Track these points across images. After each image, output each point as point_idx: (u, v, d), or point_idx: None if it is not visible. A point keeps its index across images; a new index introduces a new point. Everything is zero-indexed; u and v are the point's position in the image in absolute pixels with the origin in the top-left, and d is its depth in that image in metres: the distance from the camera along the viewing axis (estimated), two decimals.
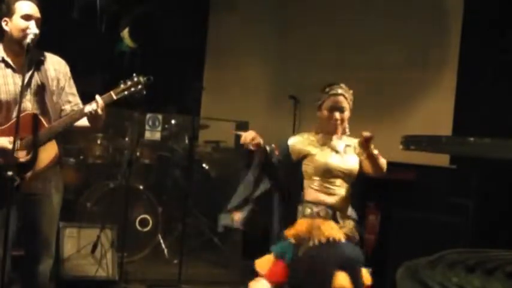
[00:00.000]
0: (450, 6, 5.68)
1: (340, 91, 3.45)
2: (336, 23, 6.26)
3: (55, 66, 3.32)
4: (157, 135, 5.57)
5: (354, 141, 3.47)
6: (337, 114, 3.43)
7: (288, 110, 5.75)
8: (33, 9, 3.20)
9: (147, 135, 5.52)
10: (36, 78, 3.24)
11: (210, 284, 5.13)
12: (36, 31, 3.14)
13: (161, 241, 5.50)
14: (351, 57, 6.05)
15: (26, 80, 3.17)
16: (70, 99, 3.34)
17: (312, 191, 3.43)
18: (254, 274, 3.35)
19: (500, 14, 5.14)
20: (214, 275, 5.34)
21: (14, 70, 3.21)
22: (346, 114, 3.46)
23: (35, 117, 3.18)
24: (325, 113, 3.46)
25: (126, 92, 3.20)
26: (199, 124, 6.12)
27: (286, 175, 3.53)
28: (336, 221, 3.35)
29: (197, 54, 6.99)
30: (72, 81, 3.39)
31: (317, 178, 3.44)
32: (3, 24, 3.20)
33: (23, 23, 3.16)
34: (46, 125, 3.19)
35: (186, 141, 5.89)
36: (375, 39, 5.95)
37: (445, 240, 4.57)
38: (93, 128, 3.37)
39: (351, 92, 3.51)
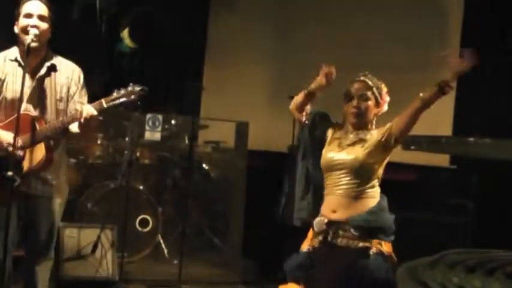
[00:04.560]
0: (450, 6, 5.68)
1: (362, 78, 3.11)
2: (336, 23, 6.25)
3: (67, 74, 3.29)
4: (157, 136, 5.56)
5: (374, 132, 3.05)
6: (354, 101, 3.02)
7: (288, 110, 5.73)
8: (37, 8, 3.18)
9: (147, 135, 5.51)
10: (45, 83, 3.24)
11: (210, 284, 5.13)
12: (36, 31, 3.12)
13: (161, 241, 5.50)
14: (351, 57, 6.02)
15: (35, 83, 3.21)
16: (78, 108, 3.25)
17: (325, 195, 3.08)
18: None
19: (500, 14, 5.14)
20: (214, 275, 5.34)
21: (25, 71, 3.20)
22: (370, 103, 3.04)
23: (32, 119, 3.18)
24: (345, 102, 3.06)
25: (117, 101, 3.11)
26: (199, 124, 6.12)
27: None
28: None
29: (197, 54, 6.98)
30: (84, 90, 3.34)
31: (325, 178, 3.07)
32: (15, 27, 3.22)
33: (24, 22, 3.17)
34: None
35: (186, 141, 5.89)
36: (375, 39, 5.94)
37: (445, 240, 4.57)
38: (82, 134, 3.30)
39: (380, 82, 3.13)
